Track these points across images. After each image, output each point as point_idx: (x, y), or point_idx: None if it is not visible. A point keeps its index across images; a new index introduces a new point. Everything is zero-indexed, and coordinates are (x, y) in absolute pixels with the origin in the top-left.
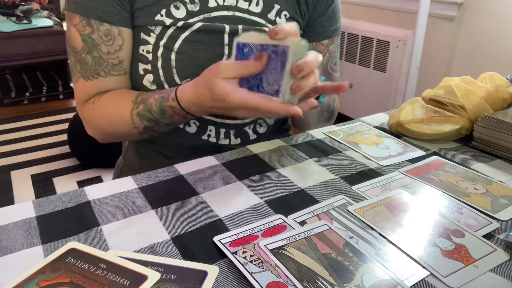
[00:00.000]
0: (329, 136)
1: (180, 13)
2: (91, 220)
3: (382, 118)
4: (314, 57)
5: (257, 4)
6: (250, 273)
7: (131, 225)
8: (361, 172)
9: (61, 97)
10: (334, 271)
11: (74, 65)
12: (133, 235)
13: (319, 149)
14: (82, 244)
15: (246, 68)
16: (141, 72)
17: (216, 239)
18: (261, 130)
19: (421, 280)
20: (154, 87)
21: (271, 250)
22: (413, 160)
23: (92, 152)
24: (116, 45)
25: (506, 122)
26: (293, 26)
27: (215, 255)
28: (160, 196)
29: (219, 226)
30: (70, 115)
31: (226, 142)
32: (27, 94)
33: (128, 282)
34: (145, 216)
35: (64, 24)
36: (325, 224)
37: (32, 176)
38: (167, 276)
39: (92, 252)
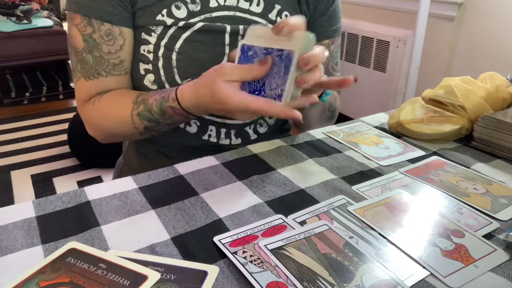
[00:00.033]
0: (329, 136)
1: (181, 13)
2: (91, 220)
3: (382, 118)
4: (320, 51)
5: (258, 4)
6: (250, 273)
7: (131, 225)
8: (361, 172)
9: (61, 97)
10: (334, 271)
11: (75, 65)
12: (133, 235)
13: (319, 149)
14: (82, 244)
15: (251, 73)
16: (142, 72)
17: (216, 239)
18: (262, 130)
19: (421, 280)
20: (155, 87)
21: (271, 250)
22: (413, 160)
23: (92, 152)
24: (117, 45)
25: (506, 122)
26: (299, 19)
27: (215, 255)
28: (160, 196)
29: (219, 226)
30: (70, 115)
31: (226, 142)
32: (27, 94)
33: (128, 282)
34: (145, 216)
35: (64, 24)
36: (325, 224)
37: (32, 176)
38: (167, 276)
39: (92, 252)
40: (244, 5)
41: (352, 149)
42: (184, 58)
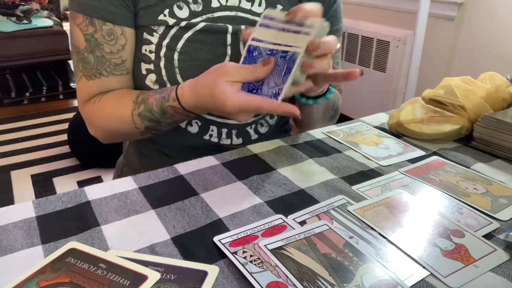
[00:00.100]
0: (329, 136)
1: (183, 13)
2: (91, 220)
3: (382, 118)
4: (332, 39)
5: (259, 5)
6: (250, 273)
7: (131, 225)
8: (361, 172)
9: (61, 97)
10: (334, 271)
11: (77, 65)
12: (133, 235)
13: (319, 149)
14: (82, 244)
15: (253, 74)
16: (144, 72)
17: (216, 239)
18: (263, 130)
19: (421, 280)
20: (156, 87)
21: (271, 250)
22: (413, 160)
23: (92, 152)
24: (119, 45)
25: (506, 122)
26: (315, 6)
27: (215, 255)
28: (160, 196)
29: (219, 226)
30: (70, 115)
31: (227, 142)
32: (27, 94)
33: (128, 282)
34: (145, 216)
35: (64, 24)
36: (325, 224)
37: (32, 176)
38: (167, 276)
39: (92, 252)
40: (246, 5)
41: (352, 149)
42: (186, 58)
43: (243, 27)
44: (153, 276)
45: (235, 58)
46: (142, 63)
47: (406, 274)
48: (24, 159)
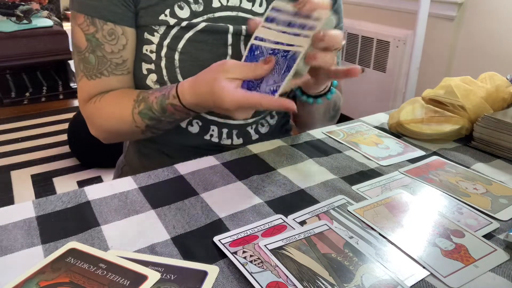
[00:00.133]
0: (329, 136)
1: (184, 13)
2: (91, 220)
3: (382, 118)
4: (338, 34)
5: (260, 5)
6: (250, 273)
7: (131, 225)
8: (361, 172)
9: (61, 97)
10: (334, 271)
11: (78, 64)
12: (133, 235)
13: (319, 149)
14: (82, 244)
15: (253, 72)
16: (145, 72)
17: (216, 239)
18: (263, 130)
19: (421, 280)
20: (157, 87)
21: (271, 250)
22: (413, 160)
23: (92, 152)
24: (120, 45)
25: (506, 122)
26: (323, 0)
27: (215, 255)
28: (160, 196)
29: (219, 226)
30: (70, 115)
31: (228, 142)
32: (27, 94)
33: (128, 282)
34: (145, 216)
35: (64, 24)
36: (325, 224)
37: (32, 176)
38: (167, 276)
39: (92, 252)
40: (247, 5)
41: (352, 149)
42: (186, 58)
43: (243, 27)
44: (153, 276)
45: (236, 58)
46: (143, 63)
47: (406, 274)
48: (24, 159)
